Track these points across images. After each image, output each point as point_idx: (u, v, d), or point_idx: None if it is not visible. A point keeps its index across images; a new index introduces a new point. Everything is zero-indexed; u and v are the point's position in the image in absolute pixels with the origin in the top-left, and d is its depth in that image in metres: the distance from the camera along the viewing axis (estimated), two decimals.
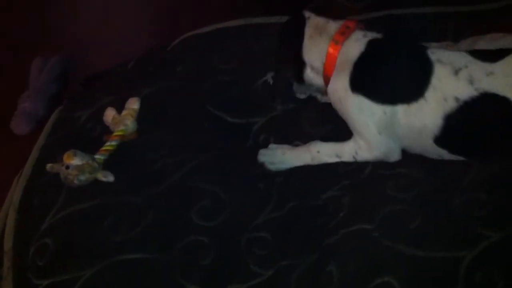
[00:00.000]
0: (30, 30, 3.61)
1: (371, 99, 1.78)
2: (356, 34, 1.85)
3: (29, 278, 1.78)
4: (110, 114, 2.09)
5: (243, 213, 1.85)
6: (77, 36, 3.54)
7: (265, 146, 2.02)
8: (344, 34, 1.85)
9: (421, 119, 1.75)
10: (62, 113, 2.33)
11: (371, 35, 1.84)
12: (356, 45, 1.82)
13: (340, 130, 1.91)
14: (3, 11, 3.82)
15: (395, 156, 1.84)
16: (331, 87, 1.86)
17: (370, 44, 1.81)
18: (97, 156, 1.94)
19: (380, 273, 1.58)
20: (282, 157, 1.95)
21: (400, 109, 1.76)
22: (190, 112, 2.15)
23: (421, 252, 1.59)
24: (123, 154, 2.00)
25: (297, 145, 2.00)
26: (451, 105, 1.70)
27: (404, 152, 1.86)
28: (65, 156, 1.89)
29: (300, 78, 1.94)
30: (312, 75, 1.92)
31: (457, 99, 1.69)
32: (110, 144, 1.99)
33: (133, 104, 2.09)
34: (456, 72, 1.69)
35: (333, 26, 1.88)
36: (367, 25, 2.25)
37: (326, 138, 1.90)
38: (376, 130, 1.80)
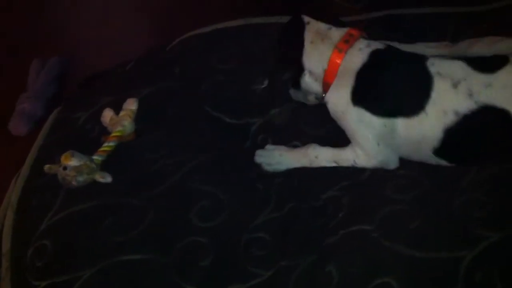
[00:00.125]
0: (30, 30, 3.61)
1: (372, 112, 1.78)
2: (359, 43, 1.84)
3: (28, 279, 1.78)
4: (107, 115, 2.08)
5: (242, 213, 1.84)
6: (77, 36, 3.54)
7: (263, 146, 2.01)
8: (348, 42, 1.84)
9: (421, 132, 1.76)
10: (60, 114, 2.32)
11: (374, 45, 1.84)
12: (359, 54, 1.81)
13: (338, 131, 1.90)
14: (3, 11, 3.82)
15: (394, 165, 1.85)
16: (331, 97, 1.85)
17: (373, 55, 1.81)
18: (95, 157, 1.93)
19: (380, 273, 1.58)
20: (279, 158, 1.95)
21: (400, 122, 1.77)
22: (189, 112, 2.14)
23: (421, 253, 1.59)
24: (121, 155, 2.00)
25: (295, 146, 2.00)
26: (451, 118, 1.70)
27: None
28: (62, 157, 1.88)
29: (296, 83, 1.93)
30: (310, 81, 1.90)
31: (456, 112, 1.69)
32: (108, 145, 1.98)
33: (131, 105, 2.09)
34: (455, 85, 1.70)
35: (336, 33, 1.87)
36: (369, 25, 2.27)
37: (324, 139, 1.90)
38: (375, 141, 1.81)
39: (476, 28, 2.23)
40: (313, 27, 1.89)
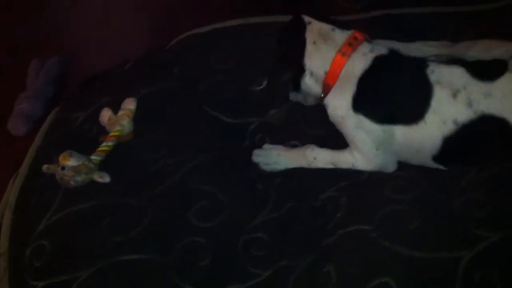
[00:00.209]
0: (30, 30, 3.60)
1: (371, 119, 1.79)
2: (363, 47, 1.83)
3: (26, 279, 1.77)
4: (106, 114, 2.08)
5: (241, 213, 1.84)
6: (77, 36, 3.54)
7: (261, 146, 2.02)
8: (352, 45, 1.82)
9: (420, 140, 1.76)
10: (59, 114, 2.32)
11: (378, 50, 1.82)
12: (362, 59, 1.81)
13: (337, 132, 1.91)
14: (3, 11, 3.80)
15: (392, 168, 1.86)
16: (331, 101, 1.85)
17: (376, 61, 1.80)
18: (93, 157, 1.93)
19: (378, 273, 1.58)
20: (277, 158, 1.95)
21: (399, 129, 1.77)
22: (187, 112, 2.14)
23: (420, 253, 1.58)
24: (119, 155, 2.00)
25: (293, 145, 2.00)
26: (450, 127, 1.71)
27: None
28: (61, 157, 1.88)
29: (296, 84, 1.91)
30: (310, 82, 1.89)
31: (456, 121, 1.70)
32: (106, 145, 1.98)
33: (130, 104, 2.09)
34: (455, 94, 1.70)
35: (340, 35, 1.85)
36: (369, 24, 2.26)
37: (323, 139, 1.90)
38: (373, 146, 1.81)
39: (476, 28, 2.24)
40: (315, 27, 1.87)
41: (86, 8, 3.78)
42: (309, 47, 1.86)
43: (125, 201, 1.87)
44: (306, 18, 1.89)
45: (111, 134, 2.01)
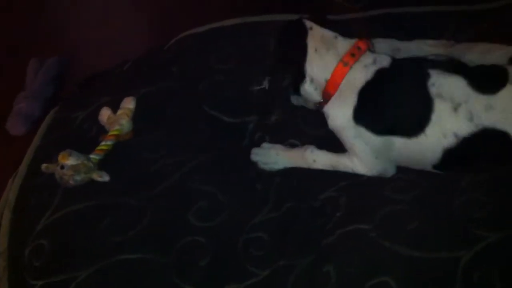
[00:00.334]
0: (30, 30, 3.60)
1: (372, 131, 1.78)
2: (366, 58, 1.80)
3: (25, 278, 1.78)
4: (105, 113, 2.08)
5: (241, 213, 1.84)
6: (77, 36, 3.53)
7: (260, 144, 2.01)
8: (355, 56, 1.80)
9: (420, 151, 1.76)
10: (58, 114, 2.32)
11: (379, 62, 1.79)
12: (364, 71, 1.78)
13: None
14: (3, 11, 3.81)
15: (391, 173, 1.85)
16: (332, 112, 1.84)
17: (377, 74, 1.78)
18: (92, 156, 1.93)
19: (377, 273, 1.58)
20: (275, 158, 1.95)
21: (399, 141, 1.77)
22: (186, 112, 2.14)
23: (419, 253, 1.58)
24: (119, 154, 2.00)
25: (292, 144, 2.00)
26: (450, 140, 1.70)
27: None
28: (60, 156, 1.88)
29: (296, 89, 1.90)
30: (310, 89, 1.87)
31: (456, 135, 1.69)
32: (106, 144, 1.98)
33: (129, 103, 2.09)
34: (456, 108, 1.69)
35: (343, 43, 1.82)
36: (369, 23, 2.25)
37: (322, 138, 1.90)
38: (373, 155, 1.81)
39: (477, 27, 2.24)
40: (317, 34, 1.84)
41: (86, 8, 3.78)
42: (310, 54, 1.83)
43: (125, 201, 1.87)
44: (308, 23, 1.86)
45: (110, 133, 2.01)
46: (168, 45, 2.48)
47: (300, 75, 1.85)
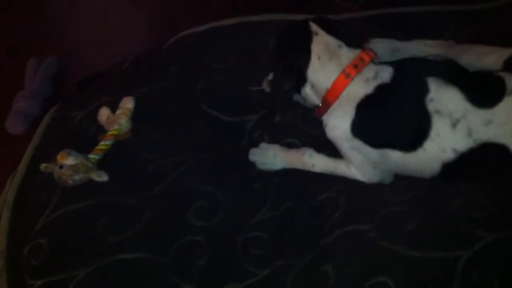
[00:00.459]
0: (30, 30, 3.60)
1: (369, 144, 1.78)
2: (368, 72, 1.79)
3: (24, 278, 1.77)
4: (104, 113, 2.08)
5: (240, 213, 1.84)
6: (77, 36, 3.53)
7: (259, 144, 2.01)
8: (357, 67, 1.78)
9: (418, 165, 1.76)
10: (57, 113, 2.33)
11: (381, 76, 1.78)
12: (364, 85, 1.77)
13: None
14: (3, 11, 3.81)
15: (389, 180, 1.85)
16: (330, 121, 1.83)
17: (377, 89, 1.76)
18: (91, 156, 1.93)
19: (376, 273, 1.57)
20: (273, 158, 1.95)
21: (397, 154, 1.76)
22: (185, 111, 2.14)
23: (418, 253, 1.58)
24: (118, 154, 2.00)
25: (291, 143, 2.00)
26: (449, 155, 1.70)
27: None
28: (59, 156, 1.88)
29: (297, 90, 1.89)
30: (310, 93, 1.86)
31: (455, 150, 1.69)
32: (104, 144, 1.98)
33: (128, 103, 2.08)
34: (454, 124, 1.69)
35: (346, 53, 1.81)
36: (368, 23, 2.25)
37: (320, 138, 1.89)
38: (371, 166, 1.82)
39: (477, 26, 2.24)
40: (322, 40, 1.82)
41: (86, 8, 3.79)
42: (313, 60, 1.81)
43: (123, 200, 1.86)
44: (314, 27, 1.83)
45: (109, 133, 2.01)
46: (167, 44, 2.48)
47: (301, 79, 1.84)
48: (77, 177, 1.88)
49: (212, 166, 1.97)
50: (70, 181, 1.88)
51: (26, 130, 2.92)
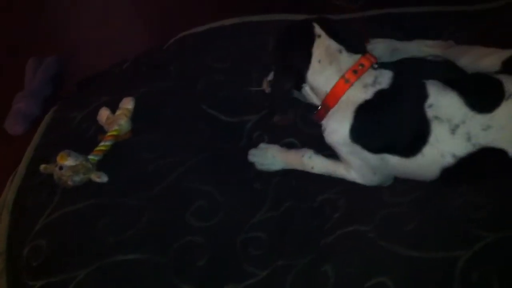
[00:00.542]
0: (30, 30, 3.60)
1: (368, 150, 1.78)
2: (367, 77, 1.78)
3: (23, 279, 1.77)
4: (104, 114, 2.08)
5: (239, 213, 1.84)
6: (77, 36, 3.54)
7: (259, 144, 2.01)
8: (357, 73, 1.78)
9: (418, 169, 1.76)
10: (56, 113, 2.32)
11: (379, 82, 1.77)
12: (363, 90, 1.77)
13: None
14: (3, 11, 3.81)
15: (389, 183, 1.85)
16: (328, 126, 1.83)
17: (376, 95, 1.76)
18: (91, 157, 1.93)
19: (376, 273, 1.58)
20: (272, 159, 1.95)
21: (397, 159, 1.76)
22: (185, 112, 2.14)
23: (418, 253, 1.58)
24: (117, 155, 1.99)
25: (290, 143, 2.00)
26: (448, 160, 1.70)
27: None
28: (58, 157, 1.88)
29: (298, 88, 1.88)
30: (310, 93, 1.86)
31: (454, 155, 1.69)
32: (104, 144, 1.98)
33: (127, 103, 2.08)
34: (453, 130, 1.68)
35: (347, 59, 1.80)
36: (368, 23, 2.24)
37: (319, 138, 1.87)
38: (370, 171, 1.82)
39: (477, 27, 2.23)
40: (323, 44, 1.81)
41: (86, 8, 3.79)
42: (314, 64, 1.81)
43: (123, 201, 1.86)
44: (317, 30, 1.83)
45: (109, 133, 2.01)
46: (167, 44, 2.48)
47: (301, 80, 1.84)
48: (77, 178, 1.88)
49: (212, 166, 1.96)
50: (70, 182, 1.88)
51: (25, 130, 2.92)
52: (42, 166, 1.95)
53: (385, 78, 1.78)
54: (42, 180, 1.98)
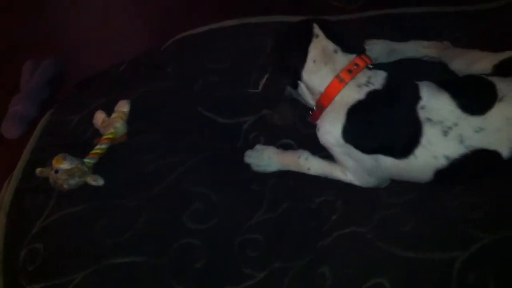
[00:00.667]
0: (30, 30, 3.60)
1: (361, 150, 1.78)
2: (361, 77, 1.78)
3: (20, 282, 1.77)
4: (99, 117, 2.08)
5: (236, 215, 1.84)
6: (77, 36, 3.53)
7: (255, 145, 2.01)
8: (351, 73, 1.78)
9: (411, 171, 1.75)
10: (53, 116, 2.32)
11: (373, 83, 1.77)
12: (357, 90, 1.77)
13: None
14: (3, 11, 3.81)
15: (385, 184, 1.85)
16: (322, 126, 1.82)
17: (369, 96, 1.76)
18: (86, 160, 1.93)
19: (373, 274, 1.58)
20: (268, 161, 1.95)
21: (389, 160, 1.76)
22: (182, 113, 2.14)
23: (415, 254, 1.58)
24: (113, 157, 1.99)
25: (287, 144, 2.00)
26: (441, 162, 1.70)
27: None
28: (54, 161, 1.88)
29: (294, 86, 1.88)
30: (305, 92, 1.87)
31: (447, 157, 1.69)
32: (100, 147, 1.98)
33: (123, 106, 2.08)
34: (446, 132, 1.68)
35: (341, 59, 1.80)
36: (368, 23, 2.23)
37: (316, 138, 1.86)
38: (365, 172, 1.81)
39: (477, 27, 2.23)
40: (320, 44, 1.82)
41: (86, 8, 3.78)
42: (309, 63, 1.82)
43: (120, 203, 1.86)
44: (316, 30, 1.83)
45: (105, 136, 2.01)
46: (165, 46, 2.48)
47: (297, 77, 1.84)
48: (72, 182, 1.88)
49: (209, 168, 1.96)
50: (65, 186, 1.88)
51: (22, 133, 2.91)
52: (38, 170, 1.95)
53: (378, 79, 1.78)
54: (39, 183, 1.98)
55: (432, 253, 1.57)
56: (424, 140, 1.70)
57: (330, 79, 1.79)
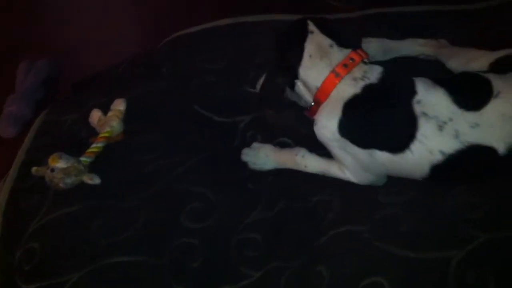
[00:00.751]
0: (30, 30, 3.61)
1: (357, 145, 1.77)
2: (357, 71, 1.78)
3: (16, 282, 1.77)
4: (96, 115, 2.07)
5: (233, 214, 1.83)
6: (76, 36, 3.55)
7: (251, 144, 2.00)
8: (347, 67, 1.78)
9: (407, 166, 1.75)
10: (48, 116, 2.32)
11: (368, 77, 1.77)
12: (352, 84, 1.77)
13: None
14: (3, 11, 3.83)
15: (382, 182, 1.84)
16: (319, 121, 1.82)
17: (365, 89, 1.76)
18: (82, 159, 1.92)
19: (371, 273, 1.58)
20: (265, 158, 1.95)
21: (385, 155, 1.75)
22: (178, 113, 2.13)
23: (413, 253, 1.58)
24: (110, 156, 1.99)
25: (284, 142, 1.99)
26: (437, 157, 1.69)
27: None
28: (50, 159, 1.88)
29: (292, 86, 1.88)
30: (303, 90, 1.86)
31: (442, 152, 1.68)
32: (96, 146, 1.97)
33: (119, 105, 2.08)
34: (441, 127, 1.68)
35: (337, 53, 1.81)
36: (366, 22, 2.23)
37: (314, 137, 1.86)
38: (361, 168, 1.81)
39: (476, 25, 2.22)
40: (316, 39, 1.82)
41: (85, 8, 3.80)
42: (305, 59, 1.82)
43: (116, 203, 1.86)
44: (311, 26, 1.84)
45: (101, 135, 2.00)
46: (159, 45, 2.48)
47: (294, 76, 1.84)
48: (68, 180, 1.87)
49: (206, 167, 1.95)
50: (61, 184, 1.87)
51: (17, 133, 2.92)
52: (34, 169, 1.94)
53: (374, 73, 1.78)
54: (34, 182, 1.97)
55: (430, 252, 1.57)
56: (419, 135, 1.69)
57: (326, 74, 1.79)
